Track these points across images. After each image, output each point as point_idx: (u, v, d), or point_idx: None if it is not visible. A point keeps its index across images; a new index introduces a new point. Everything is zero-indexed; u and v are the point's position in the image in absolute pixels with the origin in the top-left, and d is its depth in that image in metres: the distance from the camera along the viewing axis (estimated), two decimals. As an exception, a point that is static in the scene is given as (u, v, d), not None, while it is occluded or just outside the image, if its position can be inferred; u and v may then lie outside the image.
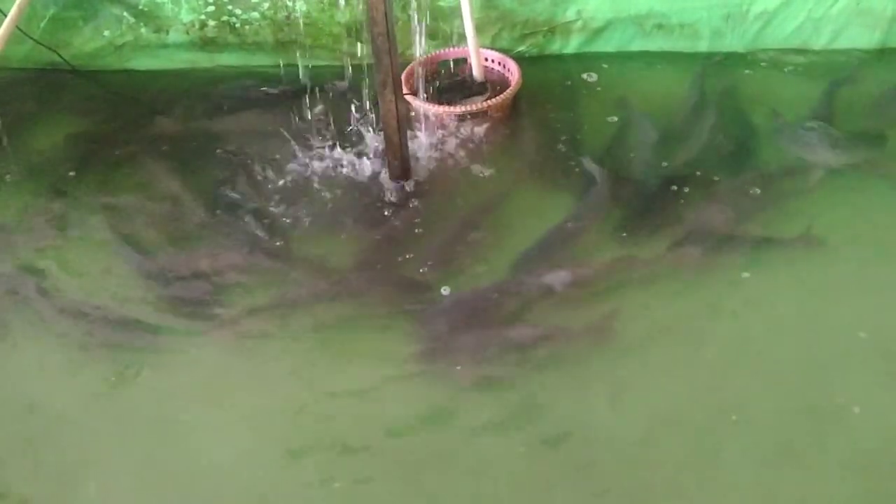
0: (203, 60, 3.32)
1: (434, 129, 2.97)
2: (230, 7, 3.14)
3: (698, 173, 2.76)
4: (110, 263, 2.59)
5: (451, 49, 3.17)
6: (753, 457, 2.01)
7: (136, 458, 2.10)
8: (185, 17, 3.17)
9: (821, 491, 1.95)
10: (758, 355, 2.24)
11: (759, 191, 2.68)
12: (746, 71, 3.21)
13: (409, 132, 2.91)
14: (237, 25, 3.19)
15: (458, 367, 2.25)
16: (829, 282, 2.42)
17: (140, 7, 3.17)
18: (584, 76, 3.24)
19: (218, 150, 2.97)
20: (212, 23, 3.18)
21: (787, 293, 2.39)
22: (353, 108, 3.00)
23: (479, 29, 3.12)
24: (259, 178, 2.85)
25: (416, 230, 2.65)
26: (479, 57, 3.07)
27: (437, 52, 3.16)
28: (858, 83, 3.12)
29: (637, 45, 3.32)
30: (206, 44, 3.25)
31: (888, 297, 2.37)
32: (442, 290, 2.44)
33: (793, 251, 2.50)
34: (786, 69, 3.21)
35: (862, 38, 3.23)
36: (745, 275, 2.43)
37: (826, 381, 2.16)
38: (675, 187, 2.71)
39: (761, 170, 2.78)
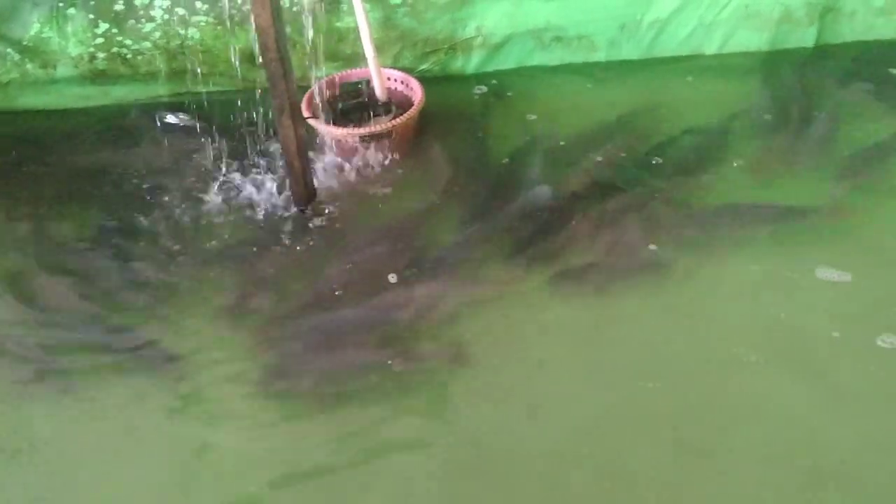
0: (96, 94, 3.21)
1: (338, 151, 2.93)
2: (120, 38, 3.05)
3: (596, 191, 2.76)
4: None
5: (353, 70, 3.14)
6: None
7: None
8: (73, 50, 3.06)
9: (729, 487, 1.97)
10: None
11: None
12: (643, 79, 3.27)
13: (313, 155, 2.88)
14: (128, 56, 3.09)
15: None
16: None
17: (24, 43, 3.04)
18: (487, 92, 3.25)
19: (110, 186, 2.88)
20: (101, 55, 3.08)
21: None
22: (254, 134, 2.94)
23: (380, 49, 3.10)
24: (156, 212, 2.76)
25: (319, 255, 2.60)
26: (381, 77, 3.04)
27: (339, 73, 3.12)
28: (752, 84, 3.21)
29: (537, 59, 3.35)
30: (98, 77, 3.14)
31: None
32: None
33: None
34: (682, 75, 3.29)
35: (752, 41, 3.32)
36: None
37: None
38: (571, 207, 2.70)
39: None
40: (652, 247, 2.56)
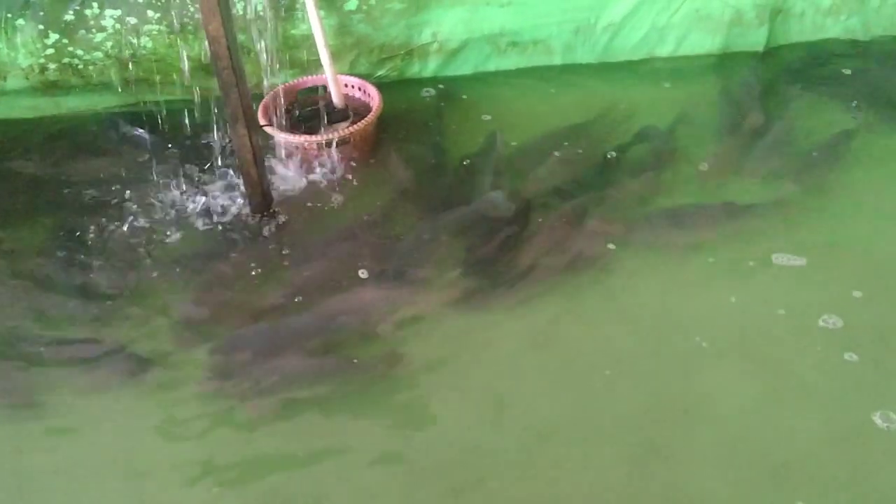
0: (47, 106, 3.16)
1: (296, 158, 2.91)
2: (71, 48, 3.00)
3: (552, 194, 2.79)
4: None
5: (310, 77, 3.13)
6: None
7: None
8: (24, 61, 3.01)
9: (687, 484, 1.99)
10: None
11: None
12: (599, 83, 3.30)
13: (270, 162, 2.86)
14: (80, 67, 3.05)
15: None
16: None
17: (-28, 54, 3.00)
18: (444, 98, 3.26)
19: (62, 196, 2.85)
20: (52, 66, 3.03)
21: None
22: (210, 143, 2.92)
23: (336, 56, 3.09)
24: (109, 223, 2.73)
25: (274, 262, 2.59)
26: (337, 84, 3.04)
27: (296, 80, 3.11)
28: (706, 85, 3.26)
29: (494, 65, 3.36)
30: (49, 88, 3.09)
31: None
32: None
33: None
34: (637, 78, 3.33)
35: (704, 43, 3.37)
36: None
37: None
38: (525, 211, 2.71)
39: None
40: (610, 246, 2.58)
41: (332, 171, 2.90)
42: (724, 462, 2.02)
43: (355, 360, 2.29)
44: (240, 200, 2.77)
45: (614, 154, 2.93)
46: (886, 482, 1.97)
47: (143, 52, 3.03)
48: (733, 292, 2.43)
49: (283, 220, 2.72)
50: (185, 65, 2.96)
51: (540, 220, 2.68)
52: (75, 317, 2.44)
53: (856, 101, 3.14)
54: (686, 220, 2.68)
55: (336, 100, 3.06)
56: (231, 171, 2.85)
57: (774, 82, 3.27)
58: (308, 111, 3.07)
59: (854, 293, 2.40)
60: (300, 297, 2.46)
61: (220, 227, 2.70)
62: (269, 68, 3.01)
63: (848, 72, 3.30)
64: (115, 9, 2.95)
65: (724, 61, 3.37)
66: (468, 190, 2.81)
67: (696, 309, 2.39)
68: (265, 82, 2.98)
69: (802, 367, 2.22)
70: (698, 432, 2.09)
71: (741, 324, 2.34)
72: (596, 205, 2.72)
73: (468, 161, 2.94)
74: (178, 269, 2.57)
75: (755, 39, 3.38)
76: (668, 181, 2.83)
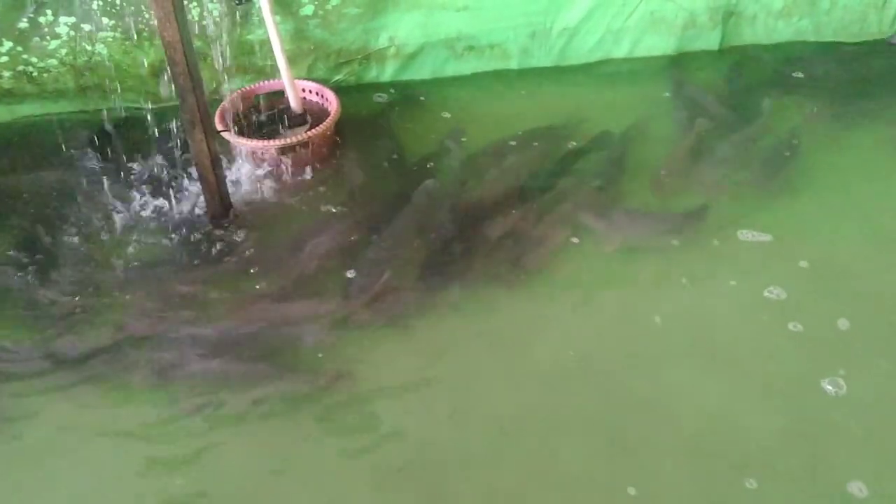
0: (1, 113, 3.13)
1: (254, 163, 2.92)
2: (25, 56, 2.98)
3: (509, 195, 2.81)
4: None
5: (267, 82, 3.13)
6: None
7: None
8: (-23, 69, 2.99)
9: (652, 477, 2.03)
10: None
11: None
12: (555, 86, 3.35)
13: (227, 168, 2.86)
14: (34, 74, 3.02)
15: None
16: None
17: (-75, 63, 2.97)
18: (402, 102, 3.28)
19: (17, 209, 2.82)
20: (6, 73, 3.01)
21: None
22: (166, 149, 2.91)
23: (293, 61, 3.10)
24: (64, 234, 2.71)
25: (229, 267, 2.60)
26: (294, 89, 3.04)
27: (252, 86, 3.11)
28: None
29: (452, 69, 3.39)
30: (3, 95, 3.07)
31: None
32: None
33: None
34: (592, 81, 3.38)
35: (659, 45, 3.43)
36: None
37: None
38: (480, 212, 2.74)
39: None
40: (574, 240, 2.63)
41: (291, 176, 2.91)
42: (692, 459, 2.07)
43: (303, 369, 2.30)
44: (196, 207, 2.76)
45: (571, 157, 2.97)
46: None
47: (99, 58, 3.01)
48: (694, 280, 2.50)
49: (240, 226, 2.72)
50: (143, 71, 2.95)
51: (497, 218, 2.71)
52: (31, 325, 2.43)
53: (809, 103, 3.21)
54: (646, 219, 2.74)
55: (294, 104, 3.07)
56: (187, 178, 2.84)
57: (727, 84, 3.33)
58: (266, 116, 3.07)
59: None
60: (253, 302, 2.47)
61: (175, 234, 2.69)
62: (225, 74, 3.01)
63: (799, 74, 3.37)
64: (70, 16, 2.93)
65: (679, 63, 3.43)
66: (420, 198, 2.81)
67: (657, 301, 2.45)
68: (227, 87, 2.97)
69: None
70: (662, 429, 2.13)
71: (700, 312, 2.41)
72: (555, 202, 2.76)
73: (425, 163, 2.96)
74: (129, 278, 2.56)
75: (709, 41, 3.45)
76: (625, 184, 2.87)
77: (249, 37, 3.09)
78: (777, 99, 3.24)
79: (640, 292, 2.49)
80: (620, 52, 3.43)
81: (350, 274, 2.54)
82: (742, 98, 3.26)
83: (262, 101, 3.11)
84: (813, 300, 2.43)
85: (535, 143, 3.04)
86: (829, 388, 2.20)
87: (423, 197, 2.79)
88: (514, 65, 3.40)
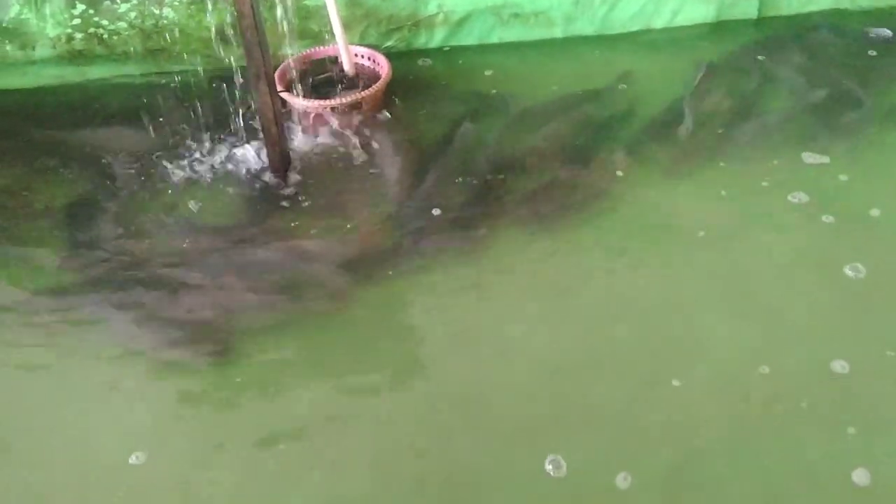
0: (72, 74, 3.32)
1: (310, 123, 3.07)
2: (97, 18, 3.16)
3: (554, 153, 2.96)
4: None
5: (322, 47, 3.29)
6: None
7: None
8: (52, 31, 3.17)
9: (685, 414, 2.14)
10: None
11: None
12: (598, 54, 3.47)
13: (286, 126, 3.02)
14: (105, 37, 3.20)
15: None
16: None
17: (4, 24, 3.15)
18: (449, 67, 3.42)
19: (86, 161, 3.00)
20: (79, 35, 3.19)
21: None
22: (230, 109, 3.08)
23: (347, 26, 3.24)
24: (137, 185, 2.89)
25: (289, 216, 2.76)
26: (348, 53, 3.19)
27: (309, 50, 3.27)
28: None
29: (497, 36, 3.52)
30: (75, 57, 3.25)
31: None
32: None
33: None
34: (633, 49, 3.49)
35: (699, 13, 3.53)
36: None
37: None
38: (501, 176, 2.88)
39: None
40: (619, 173, 2.83)
41: (344, 134, 3.06)
42: (718, 395, 2.18)
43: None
44: (257, 164, 2.93)
45: (611, 123, 3.10)
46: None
47: (165, 22, 3.19)
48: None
49: (300, 178, 2.89)
50: (207, 34, 3.11)
51: (542, 168, 2.88)
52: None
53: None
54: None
55: (347, 68, 3.21)
56: (249, 136, 3.01)
57: (762, 55, 3.40)
58: (321, 79, 3.23)
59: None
60: (314, 246, 2.65)
61: (238, 186, 2.87)
62: (284, 38, 3.17)
63: (833, 46, 3.44)
64: (140, -20, 3.12)
65: (718, 31, 3.52)
66: (469, 153, 2.98)
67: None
68: (288, 50, 3.13)
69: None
70: (697, 368, 2.24)
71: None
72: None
73: (470, 124, 3.10)
74: (192, 224, 2.75)
75: (747, 9, 3.54)
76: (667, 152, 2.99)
77: (306, 2, 3.25)
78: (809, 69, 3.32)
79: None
80: (660, 21, 3.54)
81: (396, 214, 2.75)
82: (776, 70, 3.34)
83: (317, 65, 3.27)
84: None
85: (579, 107, 3.16)
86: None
87: (463, 140, 2.98)
88: (558, 33, 3.52)
